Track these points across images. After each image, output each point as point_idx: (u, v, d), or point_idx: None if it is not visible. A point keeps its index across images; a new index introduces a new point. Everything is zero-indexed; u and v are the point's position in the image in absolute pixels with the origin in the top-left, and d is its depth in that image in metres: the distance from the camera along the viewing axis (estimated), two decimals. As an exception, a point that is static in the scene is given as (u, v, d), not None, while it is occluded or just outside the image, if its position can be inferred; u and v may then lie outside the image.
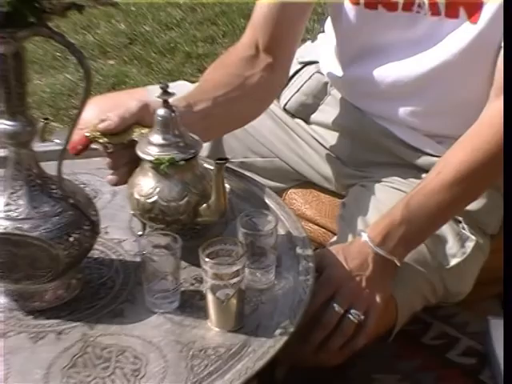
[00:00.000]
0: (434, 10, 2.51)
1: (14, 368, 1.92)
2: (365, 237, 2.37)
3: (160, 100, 2.15)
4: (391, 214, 2.42)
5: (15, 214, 1.96)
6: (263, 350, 1.96)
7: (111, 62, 4.61)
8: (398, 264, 2.38)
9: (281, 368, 2.47)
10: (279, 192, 2.87)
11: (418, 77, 2.61)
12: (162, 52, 4.65)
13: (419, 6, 2.52)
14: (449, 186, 2.41)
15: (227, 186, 2.30)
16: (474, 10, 2.47)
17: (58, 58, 4.41)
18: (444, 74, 2.58)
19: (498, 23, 2.40)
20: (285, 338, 1.99)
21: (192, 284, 2.13)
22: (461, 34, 2.50)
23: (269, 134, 2.94)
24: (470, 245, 2.60)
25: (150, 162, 2.15)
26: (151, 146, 2.16)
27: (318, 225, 2.86)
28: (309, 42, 3.07)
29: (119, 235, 2.30)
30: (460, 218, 2.61)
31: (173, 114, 2.16)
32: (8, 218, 1.96)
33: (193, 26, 4.74)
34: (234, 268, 1.98)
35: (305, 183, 3.00)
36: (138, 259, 2.16)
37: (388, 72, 2.66)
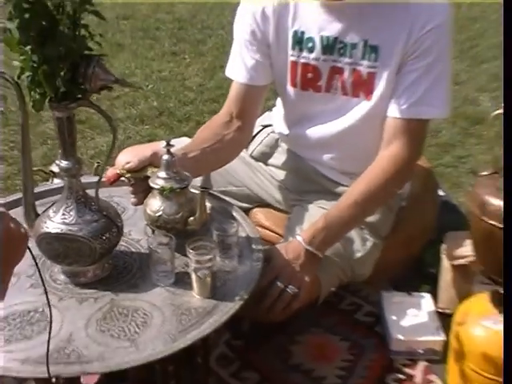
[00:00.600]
0: (344, 91, 2.60)
1: (66, 319, 2.04)
2: (299, 238, 2.49)
3: (165, 149, 2.29)
4: (316, 223, 2.53)
5: (68, 221, 2.07)
6: (227, 309, 2.08)
7: (147, 127, 4.70)
8: (321, 256, 2.49)
9: (244, 323, 2.63)
10: (247, 210, 2.96)
11: (334, 135, 2.69)
12: (180, 120, 4.72)
13: (335, 88, 2.61)
14: (353, 205, 2.52)
15: (208, 205, 2.43)
16: (368, 92, 2.56)
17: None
18: (351, 133, 2.66)
19: (385, 100, 2.54)
20: (241, 302, 2.10)
21: (182, 268, 2.22)
22: (361, 107, 2.60)
23: (240, 172, 2.99)
24: (369, 244, 2.70)
25: (158, 189, 2.30)
26: (158, 179, 2.30)
27: (272, 231, 2.90)
28: (267, 112, 3.10)
29: (137, 236, 2.38)
30: (363, 226, 2.70)
31: (172, 159, 2.30)
32: (63, 224, 2.07)
33: (201, 103, 4.78)
34: (209, 256, 2.13)
35: (264, 204, 3.05)
36: (148, 251, 2.25)
37: (316, 132, 2.74)
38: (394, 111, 2.53)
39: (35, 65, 1.89)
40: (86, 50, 1.95)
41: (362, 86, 2.57)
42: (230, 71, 2.78)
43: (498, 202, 2.16)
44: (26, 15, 1.83)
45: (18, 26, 1.85)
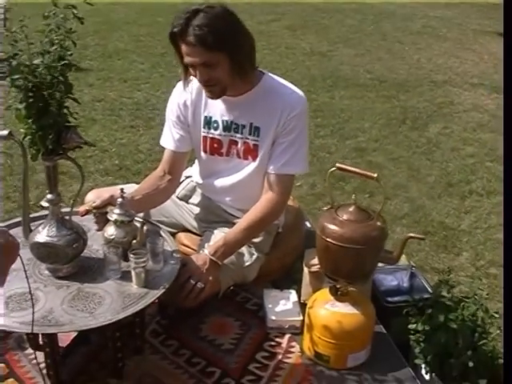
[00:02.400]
0: (239, 156, 2.76)
1: (48, 298, 2.22)
2: (205, 251, 2.65)
3: (119, 194, 2.45)
4: (218, 241, 2.68)
5: (51, 234, 2.26)
6: (154, 294, 2.27)
7: (110, 177, 4.71)
8: (220, 264, 2.64)
9: (169, 309, 2.73)
10: (174, 234, 2.97)
11: (232, 184, 2.83)
12: (134, 174, 4.76)
13: (232, 154, 2.77)
14: (243, 230, 2.69)
15: (146, 229, 2.56)
16: (255, 156, 2.73)
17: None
18: (243, 183, 2.80)
19: (265, 162, 2.71)
20: (164, 290, 2.28)
21: (126, 268, 2.36)
22: (250, 166, 2.76)
23: (169, 208, 3.03)
24: (254, 257, 2.83)
25: (113, 221, 2.44)
26: (114, 214, 2.44)
27: (190, 248, 2.94)
28: (189, 168, 3.12)
29: (96, 247, 2.50)
30: (250, 245, 2.83)
31: (124, 201, 2.45)
32: (48, 236, 2.26)
33: (149, 162, 4.88)
34: (143, 259, 2.31)
35: (185, 230, 3.09)
36: (103, 256, 2.40)
37: (219, 182, 2.87)
38: (270, 169, 2.69)
39: (34, 131, 2.09)
40: (67, 122, 2.13)
41: (251, 153, 2.72)
42: (162, 141, 2.88)
43: (331, 227, 2.32)
44: (30, 100, 2.03)
45: (25, 107, 2.05)
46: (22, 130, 2.14)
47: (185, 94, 2.76)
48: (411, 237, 2.39)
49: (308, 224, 3.46)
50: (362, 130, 6.21)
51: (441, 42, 10.38)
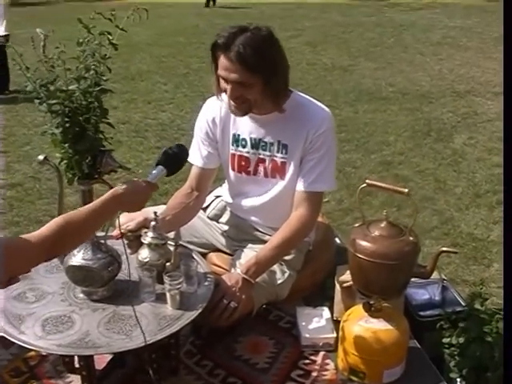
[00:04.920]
0: (266, 175, 2.77)
1: (85, 321, 2.24)
2: (238, 270, 2.65)
3: (153, 217, 2.47)
4: (250, 259, 2.68)
5: (86, 257, 2.27)
6: (189, 316, 2.27)
7: None
8: (253, 282, 2.63)
9: (203, 329, 2.71)
10: (205, 254, 2.98)
11: (260, 204, 2.84)
12: (161, 195, 4.83)
13: (259, 172, 2.78)
14: (275, 248, 2.69)
15: (179, 252, 2.54)
16: (282, 175, 2.74)
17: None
18: (271, 202, 2.81)
19: (293, 179, 2.72)
20: (199, 311, 2.29)
21: (160, 290, 2.37)
22: (277, 185, 2.78)
23: (200, 228, 3.04)
24: (286, 274, 2.81)
25: (147, 244, 2.46)
26: (147, 237, 2.46)
27: (221, 268, 2.95)
28: (219, 187, 3.14)
29: (131, 270, 2.43)
30: (282, 262, 2.82)
31: (157, 224, 2.46)
32: (83, 259, 2.27)
33: (176, 182, 4.79)
34: (178, 281, 2.31)
35: (216, 249, 3.07)
36: (138, 279, 2.40)
37: (248, 202, 2.88)
38: (299, 187, 2.70)
39: (70, 155, 2.12)
40: (102, 146, 2.17)
41: (278, 171, 2.74)
42: (190, 157, 2.76)
43: (363, 243, 2.31)
44: (67, 125, 2.07)
45: (61, 132, 2.09)
46: (57, 155, 2.17)
47: (214, 111, 2.79)
48: (444, 251, 2.38)
49: (338, 240, 3.45)
50: (387, 143, 6.23)
51: (462, 52, 10.38)
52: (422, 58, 10.06)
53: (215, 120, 2.81)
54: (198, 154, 2.88)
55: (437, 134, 6.43)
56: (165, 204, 2.99)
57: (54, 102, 2.06)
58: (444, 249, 2.39)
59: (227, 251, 3.05)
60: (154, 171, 2.20)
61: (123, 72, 9.15)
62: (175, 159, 2.27)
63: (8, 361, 2.68)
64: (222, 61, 2.48)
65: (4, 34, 8.56)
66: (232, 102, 2.59)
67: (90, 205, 1.93)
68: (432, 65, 9.61)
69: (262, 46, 2.44)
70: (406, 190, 2.31)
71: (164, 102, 8.05)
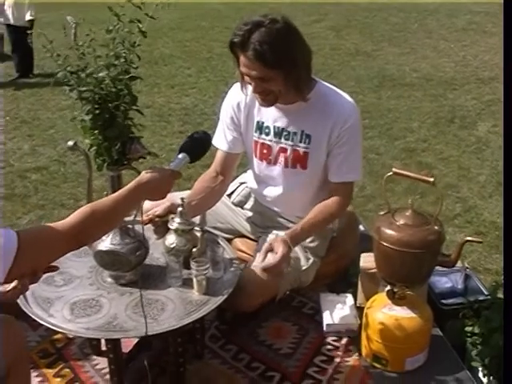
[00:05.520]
0: (286, 165, 2.78)
1: (112, 305, 2.28)
2: (283, 235, 2.61)
3: (180, 202, 2.48)
4: (295, 228, 2.66)
5: (114, 242, 2.30)
6: (215, 301, 2.30)
7: None
8: (292, 248, 2.59)
9: (228, 314, 2.78)
10: (230, 240, 2.99)
11: (281, 194, 2.86)
12: (185, 179, 4.45)
13: (280, 162, 2.78)
14: (313, 221, 2.69)
15: (205, 237, 2.56)
16: (304, 165, 2.74)
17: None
18: (292, 193, 2.83)
19: (317, 169, 2.73)
20: (225, 297, 2.31)
21: (187, 275, 2.39)
22: (299, 175, 2.78)
23: (225, 214, 3.06)
24: (310, 261, 2.83)
25: (173, 229, 2.47)
26: (174, 222, 2.47)
27: (246, 253, 2.96)
28: (244, 173, 3.15)
29: (157, 255, 2.54)
30: (306, 249, 2.84)
31: (184, 210, 2.47)
32: (111, 244, 2.29)
33: (200, 167, 4.61)
34: (204, 267, 2.34)
35: (241, 235, 3.09)
36: (165, 264, 2.45)
37: (269, 191, 2.91)
38: (333, 178, 2.72)
39: (99, 142, 2.15)
40: (131, 133, 2.20)
41: (300, 161, 2.74)
42: (216, 141, 2.86)
43: (388, 231, 2.33)
44: (96, 112, 2.10)
45: (91, 118, 2.11)
46: (87, 141, 2.19)
47: (239, 96, 2.80)
48: (468, 240, 2.39)
49: (361, 227, 3.47)
50: (411, 130, 6.20)
51: (487, 38, 10.28)
52: (446, 44, 9.97)
53: (240, 105, 2.82)
54: (223, 139, 2.90)
55: (461, 121, 6.39)
56: (189, 189, 3.01)
57: (85, 89, 2.08)
58: (468, 238, 2.40)
59: (252, 237, 3.08)
60: (177, 158, 2.23)
61: (146, 56, 9.14)
62: (199, 146, 2.29)
63: (36, 342, 2.77)
64: (242, 59, 2.49)
65: (29, 18, 8.67)
66: (257, 95, 2.61)
67: (116, 194, 1.95)
68: (456, 51, 9.53)
69: (278, 40, 2.43)
70: (432, 179, 2.32)
71: (187, 87, 8.05)
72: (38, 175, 5.34)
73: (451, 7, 12.97)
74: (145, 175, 2.02)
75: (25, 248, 1.62)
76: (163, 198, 2.17)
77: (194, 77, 8.57)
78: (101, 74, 2.10)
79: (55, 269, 1.88)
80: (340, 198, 2.73)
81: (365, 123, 6.25)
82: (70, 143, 2.20)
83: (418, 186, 4.69)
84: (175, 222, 2.47)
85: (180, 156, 2.23)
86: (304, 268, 2.82)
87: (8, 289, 1.85)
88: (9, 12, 8.76)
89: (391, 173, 2.42)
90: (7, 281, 1.65)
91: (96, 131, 2.13)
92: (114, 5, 2.13)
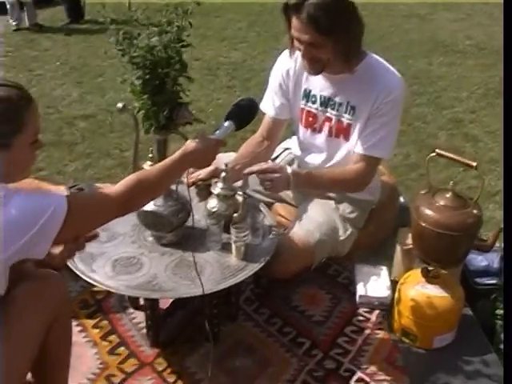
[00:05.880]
0: (330, 134, 2.78)
1: (153, 264, 2.35)
2: (289, 170, 2.56)
3: (223, 167, 2.53)
4: (303, 170, 2.73)
5: (157, 204, 2.35)
6: (253, 267, 2.36)
7: None
8: (291, 186, 2.58)
9: (263, 278, 2.83)
10: (271, 204, 3.03)
11: (322, 163, 2.85)
12: (230, 136, 4.81)
13: (324, 131, 2.79)
14: (326, 178, 2.72)
15: (247, 203, 2.61)
16: (347, 136, 2.73)
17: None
18: (334, 163, 2.81)
19: (356, 140, 2.70)
20: (263, 264, 2.37)
21: (226, 240, 2.44)
22: (341, 145, 2.78)
23: None
24: (348, 232, 2.86)
25: (216, 194, 2.52)
26: (217, 187, 2.53)
27: (286, 218, 3.00)
28: (288, 139, 3.15)
29: (199, 217, 2.52)
30: (345, 220, 2.86)
31: (227, 175, 2.52)
32: (154, 205, 2.34)
33: None
34: (244, 233, 2.39)
35: (282, 200, 3.10)
36: (205, 227, 2.48)
37: (311, 159, 2.90)
38: (357, 148, 2.69)
39: (148, 107, 2.18)
40: (179, 99, 2.22)
41: (343, 131, 2.74)
42: (263, 106, 2.90)
43: (427, 211, 2.35)
44: (147, 77, 2.12)
45: (141, 83, 2.15)
46: (136, 105, 2.22)
47: (289, 63, 2.80)
48: (506, 227, 2.40)
49: (401, 199, 3.48)
50: (459, 99, 6.12)
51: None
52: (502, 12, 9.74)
53: (289, 72, 2.83)
54: (270, 104, 2.92)
55: (511, 93, 6.28)
56: (234, 152, 3.04)
57: (136, 54, 2.11)
58: (504, 226, 2.40)
59: (293, 203, 3.10)
60: (223, 127, 2.24)
61: (197, 7, 9.13)
62: (245, 114, 2.31)
63: (77, 293, 2.87)
64: (294, 22, 2.48)
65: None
66: (306, 62, 2.61)
67: (162, 163, 2.00)
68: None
69: (333, 7, 2.43)
70: (475, 164, 2.32)
71: (237, 41, 8.03)
72: (86, 123, 5.41)
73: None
74: (190, 145, 2.05)
75: (75, 213, 1.69)
76: (208, 166, 2.22)
77: (244, 30, 8.53)
78: (153, 40, 2.12)
79: (95, 237, 1.98)
80: (360, 172, 2.71)
81: (413, 89, 6.20)
82: (120, 105, 2.23)
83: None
84: (218, 187, 2.51)
85: (226, 124, 2.24)
86: (342, 238, 2.86)
87: (56, 253, 1.93)
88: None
89: (434, 154, 2.42)
90: (54, 243, 1.71)
91: (145, 96, 2.16)
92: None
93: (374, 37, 7.99)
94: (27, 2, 8.79)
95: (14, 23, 8.69)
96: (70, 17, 9.05)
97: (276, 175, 2.49)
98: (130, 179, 1.88)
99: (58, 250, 1.95)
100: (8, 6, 8.71)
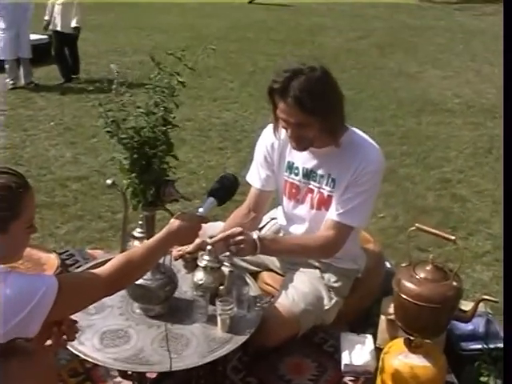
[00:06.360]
0: (312, 206, 2.85)
1: (140, 337, 2.40)
2: (255, 235, 2.61)
3: (209, 241, 2.57)
4: (270, 235, 2.90)
5: (146, 277, 2.39)
6: (239, 339, 2.41)
7: (197, 201, 4.83)
8: (256, 253, 2.62)
9: (250, 347, 2.75)
10: (258, 272, 3.12)
11: (308, 232, 2.89)
12: None
13: (307, 202, 2.86)
14: (294, 244, 2.82)
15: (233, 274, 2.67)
16: (328, 207, 2.78)
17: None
18: (315, 230, 2.83)
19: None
20: (248, 336, 2.43)
21: (212, 312, 2.49)
22: (324, 216, 2.80)
23: None
24: (333, 301, 2.90)
25: (202, 267, 2.59)
26: (203, 260, 2.59)
27: (272, 287, 3.06)
28: (274, 209, 3.18)
29: (185, 289, 2.65)
30: (330, 289, 2.90)
31: (213, 248, 2.58)
32: (143, 279, 2.37)
33: None
34: (229, 307, 2.45)
35: (269, 269, 3.15)
36: (192, 299, 2.55)
37: (295, 229, 2.95)
38: (330, 214, 2.75)
39: (136, 185, 2.26)
40: (166, 176, 2.30)
41: (324, 203, 2.80)
42: (249, 178, 3.01)
43: (408, 284, 2.40)
44: (135, 156, 2.22)
45: (129, 162, 2.24)
46: (124, 182, 2.31)
47: (274, 136, 2.88)
48: (485, 299, 2.47)
49: (388, 264, 3.52)
50: (448, 159, 6.22)
51: (533, 65, 10.20)
52: (490, 69, 9.94)
53: (274, 146, 2.91)
54: (256, 176, 3.00)
55: (498, 153, 6.34)
56: (222, 222, 3.10)
57: (124, 136, 2.21)
58: (485, 297, 2.47)
59: (279, 272, 3.14)
60: (206, 203, 2.33)
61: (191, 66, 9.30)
62: (227, 191, 2.40)
63: (66, 360, 2.88)
64: (280, 105, 2.59)
65: (75, 25, 8.91)
66: (293, 140, 2.70)
67: (148, 242, 2.10)
68: (500, 76, 9.46)
69: (317, 88, 2.53)
70: (453, 238, 2.38)
71: (229, 101, 8.16)
72: (79, 185, 5.46)
73: (498, 29, 12.89)
74: (175, 223, 2.13)
75: (65, 292, 1.77)
76: (192, 243, 2.30)
77: (236, 90, 8.68)
78: (140, 124, 2.22)
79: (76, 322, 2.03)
80: (330, 239, 2.74)
81: (403, 150, 6.32)
82: (109, 181, 2.33)
83: (450, 220, 4.75)
84: (204, 260, 2.58)
85: (208, 200, 2.33)
86: (327, 307, 2.89)
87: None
88: (58, 20, 9.01)
89: (414, 228, 2.49)
90: (45, 322, 1.77)
91: (133, 174, 2.25)
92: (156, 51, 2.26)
93: (363, 96, 8.17)
94: (25, 60, 8.97)
95: (10, 82, 8.84)
96: (63, 76, 9.20)
97: (240, 238, 2.54)
98: (117, 259, 1.96)
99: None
100: (6, 66, 8.88)
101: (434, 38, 12.28)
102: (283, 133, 2.80)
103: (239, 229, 2.57)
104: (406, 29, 13.27)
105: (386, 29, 13.28)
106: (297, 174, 2.87)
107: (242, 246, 2.54)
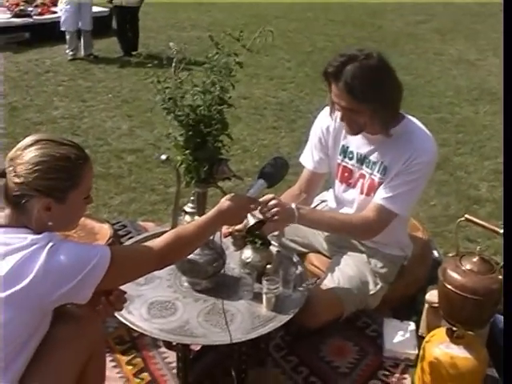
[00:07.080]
0: (362, 191, 2.85)
1: (186, 309, 2.45)
2: (293, 205, 2.62)
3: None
4: (308, 208, 2.79)
5: (195, 252, 2.39)
6: (282, 318, 2.43)
7: (249, 179, 4.79)
8: (293, 221, 2.62)
9: (293, 326, 2.79)
10: (305, 254, 3.17)
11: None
12: None
13: (358, 187, 2.86)
14: (332, 218, 2.80)
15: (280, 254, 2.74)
16: (370, 192, 2.80)
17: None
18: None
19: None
20: (292, 315, 2.45)
21: (258, 290, 2.53)
22: (365, 200, 2.82)
23: (304, 229, 2.95)
24: (378, 286, 2.92)
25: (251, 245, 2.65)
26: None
27: (319, 269, 3.09)
28: (325, 191, 3.23)
29: (233, 265, 2.70)
30: (376, 275, 2.92)
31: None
32: (193, 254, 2.40)
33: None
34: (275, 286, 2.48)
35: (316, 251, 3.19)
36: (239, 276, 2.63)
37: (347, 212, 2.92)
38: (375, 197, 2.74)
39: (190, 161, 2.30)
40: (220, 155, 2.34)
41: (374, 190, 2.78)
42: (303, 159, 3.03)
43: (453, 275, 2.40)
44: (190, 133, 2.26)
45: (183, 139, 2.28)
46: (178, 158, 2.34)
47: (329, 119, 2.89)
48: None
49: (436, 253, 3.52)
50: (503, 150, 6.11)
51: None
52: (555, 60, 9.72)
53: (329, 128, 2.92)
54: (310, 158, 3.02)
55: (557, 147, 6.25)
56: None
57: (180, 113, 2.24)
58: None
59: (327, 254, 3.17)
60: (256, 184, 2.36)
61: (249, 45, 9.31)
62: (277, 174, 2.41)
63: (114, 328, 2.98)
64: (333, 88, 2.60)
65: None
66: (344, 123, 2.71)
67: (199, 220, 2.14)
68: None
69: (370, 77, 2.52)
70: (502, 231, 2.37)
71: (285, 80, 8.16)
72: (133, 157, 5.58)
73: None
74: (225, 203, 2.17)
75: (117, 263, 1.83)
76: (240, 223, 2.34)
77: (293, 70, 8.66)
78: (197, 102, 2.25)
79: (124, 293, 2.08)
80: (368, 220, 2.74)
81: (458, 138, 6.24)
82: (163, 157, 2.36)
83: (501, 212, 4.68)
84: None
85: (259, 182, 2.36)
86: (371, 292, 2.92)
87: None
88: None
89: (463, 218, 2.49)
90: (96, 290, 1.83)
91: (187, 151, 2.29)
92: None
93: (421, 82, 8.09)
94: (85, 32, 9.10)
95: (70, 53, 9.00)
96: (123, 50, 9.33)
97: (274, 202, 2.52)
98: (169, 235, 2.01)
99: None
100: (67, 37, 9.03)
101: (496, 26, 11.96)
102: (339, 116, 2.79)
103: (271, 195, 2.55)
104: (468, 15, 13.02)
105: (449, 14, 13.05)
106: (351, 159, 2.88)
107: (281, 211, 2.51)
